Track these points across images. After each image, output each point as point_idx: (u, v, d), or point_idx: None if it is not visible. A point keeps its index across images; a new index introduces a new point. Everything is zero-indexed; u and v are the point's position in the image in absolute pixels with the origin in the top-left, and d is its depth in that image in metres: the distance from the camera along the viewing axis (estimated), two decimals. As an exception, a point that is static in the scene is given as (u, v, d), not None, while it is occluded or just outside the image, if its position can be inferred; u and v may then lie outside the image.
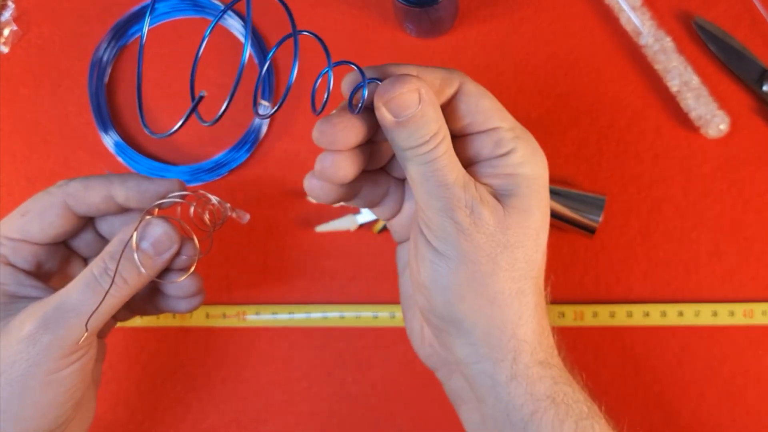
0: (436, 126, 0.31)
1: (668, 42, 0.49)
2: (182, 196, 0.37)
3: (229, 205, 0.39)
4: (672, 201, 0.50)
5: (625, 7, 0.49)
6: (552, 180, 0.50)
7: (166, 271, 0.38)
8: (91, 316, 0.34)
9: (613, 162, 0.51)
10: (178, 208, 0.38)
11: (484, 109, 0.33)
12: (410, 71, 0.32)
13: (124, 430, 0.51)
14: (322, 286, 0.52)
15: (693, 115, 0.49)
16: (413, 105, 0.30)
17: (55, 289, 0.36)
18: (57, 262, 0.39)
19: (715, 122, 0.48)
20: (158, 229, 0.36)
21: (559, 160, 0.51)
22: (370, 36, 0.52)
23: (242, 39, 0.53)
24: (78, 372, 0.35)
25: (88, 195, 0.37)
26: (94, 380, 0.40)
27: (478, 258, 0.31)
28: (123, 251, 0.35)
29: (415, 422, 0.50)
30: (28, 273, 0.37)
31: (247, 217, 0.40)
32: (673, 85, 0.49)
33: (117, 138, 0.52)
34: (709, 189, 0.50)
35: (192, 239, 0.38)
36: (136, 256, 0.35)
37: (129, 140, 0.53)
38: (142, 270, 0.36)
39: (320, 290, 0.52)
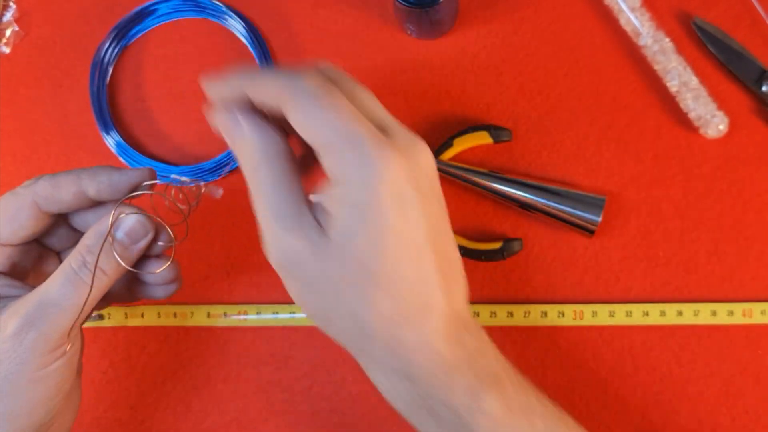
0: (258, 156, 0.32)
1: (667, 42, 0.49)
2: (151, 186, 0.37)
3: (202, 183, 0.39)
4: (671, 201, 0.50)
5: (624, 7, 0.49)
6: (552, 180, 0.50)
7: (143, 258, 0.38)
8: (81, 314, 0.34)
9: (612, 162, 0.51)
10: (151, 197, 0.38)
11: (301, 127, 0.31)
12: (233, 87, 0.33)
13: (125, 430, 0.52)
14: (323, 286, 0.52)
15: (692, 115, 0.49)
16: (234, 130, 0.33)
17: (32, 287, 0.36)
18: (31, 260, 0.39)
19: (714, 122, 0.48)
20: (132, 219, 0.36)
21: (558, 160, 0.51)
22: (370, 37, 0.53)
23: (242, 39, 0.53)
24: (65, 366, 0.35)
25: (57, 193, 0.36)
26: (77, 374, 0.40)
27: (303, 289, 0.33)
28: (102, 244, 0.35)
29: (415, 421, 0.51)
30: (3, 273, 0.37)
31: (220, 191, 0.40)
32: (673, 85, 0.49)
33: (118, 138, 0.52)
34: (708, 189, 0.50)
35: (165, 227, 0.38)
36: (113, 247, 0.35)
37: (130, 140, 0.53)
38: (120, 261, 0.36)
39: (321, 290, 0.52)
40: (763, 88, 0.49)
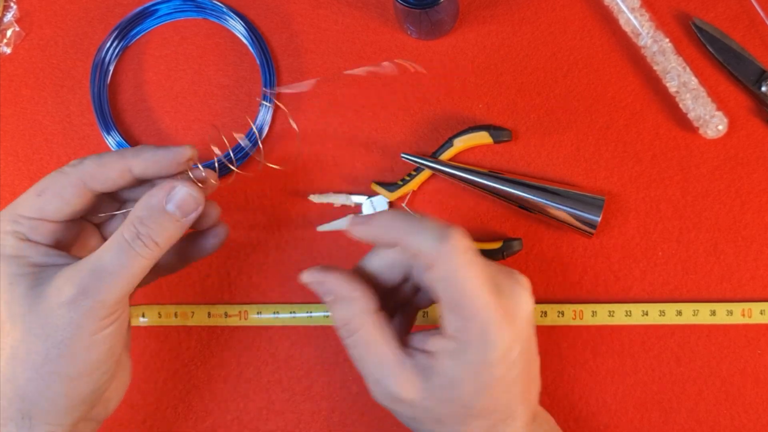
0: (347, 316, 0.37)
1: (667, 43, 0.49)
2: (191, 161, 0.39)
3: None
4: (670, 201, 0.50)
5: (624, 8, 0.50)
6: (551, 180, 0.51)
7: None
8: (132, 283, 0.36)
9: (612, 162, 0.51)
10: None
11: (442, 284, 0.35)
12: (395, 225, 0.36)
13: (126, 429, 0.52)
14: (323, 286, 0.52)
15: (691, 115, 0.49)
16: (324, 294, 0.38)
17: (77, 258, 0.37)
18: (74, 234, 0.40)
19: (713, 123, 0.49)
20: (183, 192, 0.37)
21: (558, 161, 0.51)
22: (370, 37, 0.53)
23: (243, 39, 0.53)
24: (117, 330, 0.37)
25: (104, 172, 0.37)
26: (127, 343, 0.41)
27: (407, 420, 0.38)
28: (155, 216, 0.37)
29: (415, 421, 0.51)
30: (49, 246, 0.38)
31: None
32: (672, 85, 0.49)
33: (119, 138, 0.52)
34: (707, 189, 0.50)
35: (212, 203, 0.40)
36: (165, 218, 0.37)
37: (131, 141, 0.53)
38: (172, 231, 0.37)
39: (321, 290, 0.52)
40: (762, 89, 0.49)
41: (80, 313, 0.35)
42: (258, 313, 0.52)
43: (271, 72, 0.53)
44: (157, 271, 0.43)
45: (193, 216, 0.38)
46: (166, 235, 0.37)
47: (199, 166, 0.40)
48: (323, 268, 0.38)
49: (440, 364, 0.35)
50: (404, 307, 0.42)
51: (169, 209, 0.37)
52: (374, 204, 0.51)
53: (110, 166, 0.37)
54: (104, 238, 0.42)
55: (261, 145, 0.40)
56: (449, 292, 0.35)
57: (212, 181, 0.40)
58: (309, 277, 0.38)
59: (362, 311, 0.36)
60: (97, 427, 0.41)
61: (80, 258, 0.37)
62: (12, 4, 0.54)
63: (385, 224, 0.37)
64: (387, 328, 0.37)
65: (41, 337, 0.34)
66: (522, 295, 0.37)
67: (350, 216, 0.40)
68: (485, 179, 0.49)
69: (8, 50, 0.54)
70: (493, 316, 0.35)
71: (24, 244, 0.37)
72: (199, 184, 0.39)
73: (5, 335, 0.35)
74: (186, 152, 0.38)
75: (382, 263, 0.39)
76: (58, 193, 0.37)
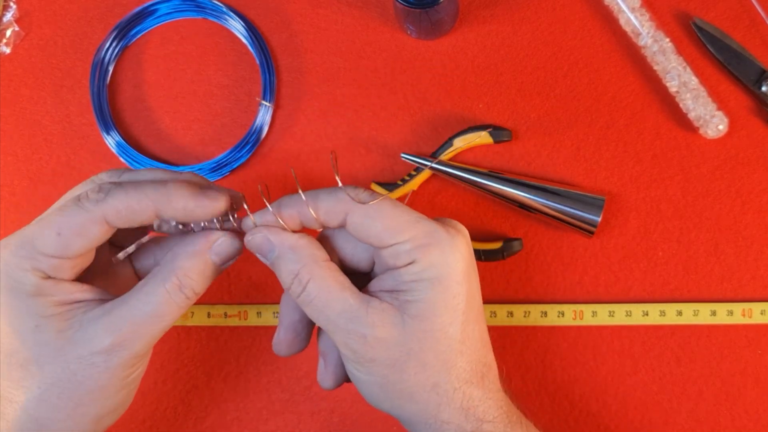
0: (295, 267, 0.35)
1: (667, 43, 0.49)
2: (227, 216, 0.37)
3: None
4: (671, 201, 0.50)
5: (624, 8, 0.49)
6: (551, 180, 0.51)
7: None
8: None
9: (612, 162, 0.51)
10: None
11: (376, 233, 0.34)
12: (288, 203, 0.35)
13: (125, 430, 0.52)
14: (323, 286, 0.52)
15: (692, 115, 0.49)
16: (268, 250, 0.36)
17: (100, 288, 0.36)
18: (93, 257, 0.38)
19: (713, 123, 0.49)
20: (227, 242, 0.36)
21: (558, 161, 0.51)
22: (370, 37, 0.53)
23: (242, 39, 0.53)
24: (143, 371, 0.37)
25: (130, 216, 0.35)
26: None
27: (383, 370, 0.35)
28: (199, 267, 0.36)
29: (415, 421, 0.51)
30: (72, 281, 0.36)
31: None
32: (672, 85, 0.49)
33: (119, 138, 0.52)
34: (707, 189, 0.50)
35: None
36: (207, 268, 0.36)
37: (131, 141, 0.53)
38: (209, 280, 0.37)
39: (321, 290, 0.52)
40: (763, 89, 0.49)
41: (116, 362, 0.34)
42: (258, 313, 0.52)
43: (271, 72, 0.53)
44: None
45: (231, 263, 0.37)
46: (206, 283, 0.36)
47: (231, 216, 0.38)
48: (266, 226, 0.36)
49: (409, 291, 0.34)
50: None
51: (211, 258, 0.36)
52: (374, 204, 0.51)
53: (139, 212, 0.35)
54: (116, 248, 0.40)
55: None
56: (379, 226, 0.34)
57: (251, 222, 0.37)
58: (251, 234, 0.36)
59: (310, 258, 0.35)
60: None
61: (101, 288, 0.36)
62: (11, 4, 0.54)
63: (285, 204, 0.36)
64: (341, 275, 0.35)
65: (74, 384, 0.34)
66: (456, 223, 0.36)
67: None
68: (485, 179, 0.49)
69: (8, 50, 0.54)
70: (437, 224, 0.35)
71: (47, 283, 0.35)
72: (236, 228, 0.37)
73: (31, 377, 0.34)
74: (221, 207, 0.36)
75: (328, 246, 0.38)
76: (79, 233, 0.34)
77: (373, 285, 0.36)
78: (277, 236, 0.35)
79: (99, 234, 0.35)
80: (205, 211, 0.36)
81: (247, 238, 0.36)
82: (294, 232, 0.36)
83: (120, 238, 0.40)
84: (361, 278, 0.38)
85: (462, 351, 0.35)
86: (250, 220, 0.36)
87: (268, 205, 0.36)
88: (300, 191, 0.35)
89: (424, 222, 0.35)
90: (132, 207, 0.35)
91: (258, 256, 0.37)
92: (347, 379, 0.38)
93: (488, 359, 0.37)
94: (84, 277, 0.37)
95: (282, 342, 0.39)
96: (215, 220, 0.36)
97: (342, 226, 0.35)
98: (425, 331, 0.34)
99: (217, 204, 0.36)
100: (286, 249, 0.35)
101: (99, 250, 0.38)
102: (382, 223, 0.34)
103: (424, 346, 0.34)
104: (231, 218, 0.36)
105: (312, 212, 0.35)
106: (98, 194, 0.35)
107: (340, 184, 0.35)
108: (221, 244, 0.36)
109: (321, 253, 0.35)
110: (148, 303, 0.35)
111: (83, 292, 0.36)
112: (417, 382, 0.35)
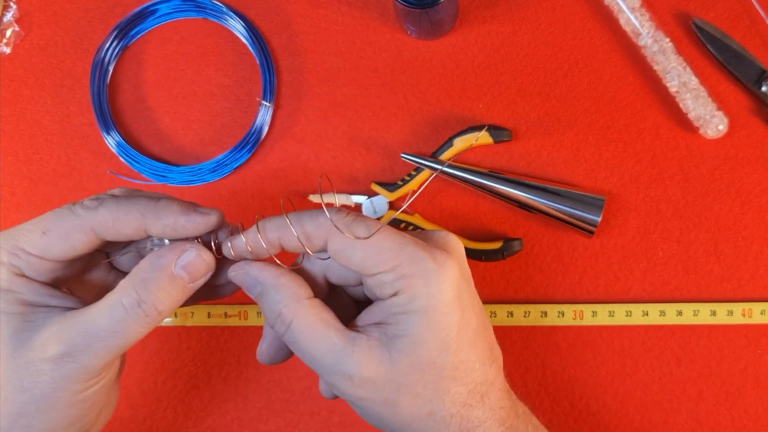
0: (278, 306, 0.34)
1: (667, 43, 0.49)
2: (217, 233, 0.35)
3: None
4: (671, 201, 0.50)
5: (624, 8, 0.49)
6: (551, 180, 0.51)
7: None
8: (126, 346, 0.33)
9: (612, 162, 0.51)
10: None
11: (357, 261, 0.33)
12: (270, 225, 0.34)
13: (126, 429, 0.52)
14: (323, 286, 0.52)
15: (692, 115, 0.49)
16: (251, 286, 0.34)
17: (74, 295, 0.35)
18: (77, 269, 0.37)
19: (713, 123, 0.49)
20: (194, 254, 0.34)
21: (558, 161, 0.51)
22: (370, 37, 0.53)
23: (243, 39, 0.53)
24: (103, 388, 0.34)
25: (118, 227, 0.34)
26: (118, 377, 0.39)
27: (375, 407, 0.34)
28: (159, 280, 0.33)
29: (415, 421, 0.51)
30: (44, 284, 0.35)
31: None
32: (672, 85, 0.49)
33: (119, 138, 0.52)
34: (707, 189, 0.50)
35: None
36: (171, 283, 0.34)
37: (131, 141, 0.53)
38: (174, 301, 0.34)
39: (321, 290, 0.52)
40: (763, 89, 0.49)
41: (63, 373, 0.32)
42: (258, 313, 0.52)
43: (271, 72, 0.53)
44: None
45: (202, 282, 0.35)
46: (170, 301, 0.34)
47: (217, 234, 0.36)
48: (249, 260, 0.35)
49: (395, 325, 0.33)
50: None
51: (177, 273, 0.34)
52: (374, 204, 0.51)
53: (126, 225, 0.34)
54: (112, 268, 0.39)
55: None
56: (357, 257, 0.33)
57: (229, 247, 0.35)
58: (234, 270, 0.35)
59: (292, 298, 0.34)
60: None
61: (75, 298, 0.35)
62: (12, 4, 0.54)
63: (263, 229, 0.34)
64: (325, 312, 0.34)
65: (19, 389, 0.32)
66: (448, 235, 0.35)
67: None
68: (485, 179, 0.49)
69: (8, 50, 0.54)
70: (421, 252, 0.33)
71: (18, 280, 0.34)
72: (213, 247, 0.35)
73: None
74: (212, 222, 0.34)
75: (311, 266, 0.37)
76: (64, 236, 0.34)
77: (361, 318, 0.35)
78: (260, 273, 0.34)
79: (83, 242, 0.34)
80: (196, 227, 0.34)
81: (231, 273, 0.35)
82: (277, 259, 0.35)
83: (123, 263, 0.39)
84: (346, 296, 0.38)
85: (455, 377, 0.34)
86: (227, 246, 0.35)
87: (243, 235, 0.35)
88: (284, 214, 0.34)
89: (408, 249, 0.33)
90: (120, 219, 0.34)
91: (243, 289, 0.35)
92: (288, 357, 0.38)
93: (489, 376, 0.35)
94: (75, 288, 0.37)
95: (264, 353, 0.38)
96: (198, 241, 0.35)
97: (324, 251, 0.34)
98: (413, 365, 0.33)
99: (209, 219, 0.34)
100: (268, 287, 0.34)
101: (95, 265, 0.38)
102: (363, 252, 0.33)
103: (413, 379, 0.33)
104: (212, 242, 0.35)
105: (295, 235, 0.34)
106: (92, 202, 0.34)
107: (323, 207, 0.34)
108: (187, 256, 0.34)
109: (304, 291, 0.34)
110: (105, 317, 0.33)
111: (52, 297, 0.34)
112: (411, 414, 0.34)
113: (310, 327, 0.33)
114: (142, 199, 0.34)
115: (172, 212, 0.34)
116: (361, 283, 0.36)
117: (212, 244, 0.35)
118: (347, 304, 0.39)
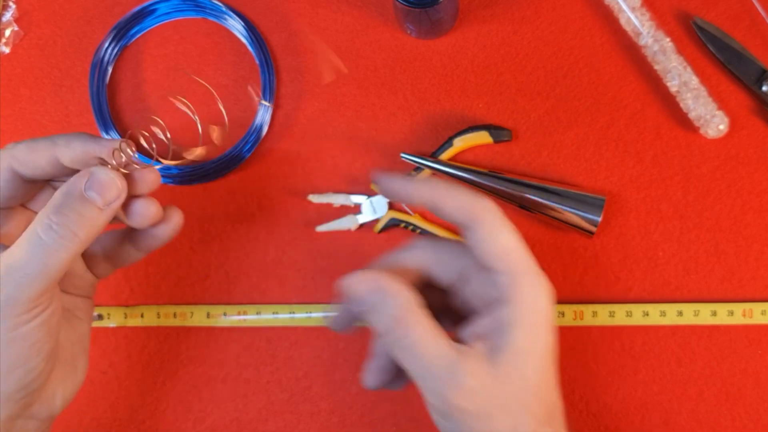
0: (395, 312, 0.34)
1: (667, 42, 0.49)
2: (126, 157, 0.36)
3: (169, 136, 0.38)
4: (671, 201, 0.50)
5: (624, 7, 0.49)
6: (551, 180, 0.50)
7: (127, 203, 0.37)
8: (52, 276, 0.34)
9: (612, 162, 0.51)
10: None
11: (498, 251, 0.34)
12: (422, 191, 0.35)
13: (125, 430, 0.52)
14: (323, 286, 0.52)
15: (692, 115, 0.49)
16: (367, 297, 0.34)
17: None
18: (15, 224, 0.38)
19: (714, 122, 0.48)
20: (103, 175, 0.35)
21: (558, 160, 0.51)
22: (370, 37, 0.53)
23: (242, 38, 0.53)
24: (41, 325, 0.35)
25: (33, 158, 0.36)
26: (81, 342, 0.40)
27: (470, 421, 0.33)
28: (69, 203, 0.34)
29: (415, 422, 0.51)
30: None
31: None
32: (673, 85, 0.49)
33: (118, 138, 0.52)
34: (708, 189, 0.50)
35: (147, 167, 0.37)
36: (84, 206, 0.34)
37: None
38: (94, 219, 0.35)
39: (321, 290, 0.52)
40: (763, 88, 0.49)
41: None
42: (257, 313, 0.51)
43: (270, 72, 0.53)
44: (114, 262, 0.41)
45: (116, 204, 0.35)
46: (86, 225, 0.34)
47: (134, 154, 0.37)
48: (362, 271, 0.35)
49: (500, 336, 0.33)
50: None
51: (88, 195, 0.34)
52: (374, 204, 0.51)
53: (39, 152, 0.36)
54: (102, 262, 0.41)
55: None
56: (495, 246, 0.34)
57: (135, 165, 0.36)
58: (350, 279, 0.35)
59: (408, 305, 0.34)
60: (43, 426, 0.39)
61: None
62: (11, 4, 0.54)
63: (422, 183, 0.35)
64: (435, 322, 0.34)
65: None
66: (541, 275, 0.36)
67: (378, 175, 0.37)
68: (485, 179, 0.49)
69: (7, 50, 0.54)
70: (537, 269, 0.34)
71: None
72: (123, 170, 0.36)
73: None
74: (116, 146, 0.36)
75: (418, 256, 0.37)
76: None
77: (465, 330, 0.35)
78: (377, 281, 0.34)
79: (7, 181, 0.36)
80: (102, 150, 0.35)
81: (346, 283, 0.35)
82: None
83: (102, 247, 0.40)
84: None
85: (538, 394, 0.34)
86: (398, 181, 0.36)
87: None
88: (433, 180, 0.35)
89: (527, 258, 0.34)
90: (33, 147, 0.35)
91: (353, 302, 0.35)
92: (389, 383, 0.38)
93: (555, 398, 0.36)
94: (2, 239, 0.37)
95: (374, 376, 0.38)
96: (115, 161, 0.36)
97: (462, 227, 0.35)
98: (512, 380, 0.33)
99: (114, 143, 0.36)
100: (386, 294, 0.34)
101: (15, 215, 0.38)
102: (506, 242, 0.34)
103: (509, 393, 0.33)
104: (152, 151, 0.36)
105: (457, 202, 0.34)
106: (10, 144, 0.36)
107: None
108: (96, 176, 0.35)
109: (418, 300, 0.34)
110: (23, 248, 0.33)
111: None
112: (500, 429, 0.34)
113: (426, 334, 0.34)
114: (57, 134, 0.36)
115: (81, 138, 0.36)
116: (449, 287, 0.37)
117: (121, 166, 0.36)
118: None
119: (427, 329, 0.34)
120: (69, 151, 0.36)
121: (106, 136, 0.52)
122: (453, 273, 0.37)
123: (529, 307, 0.34)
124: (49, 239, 0.33)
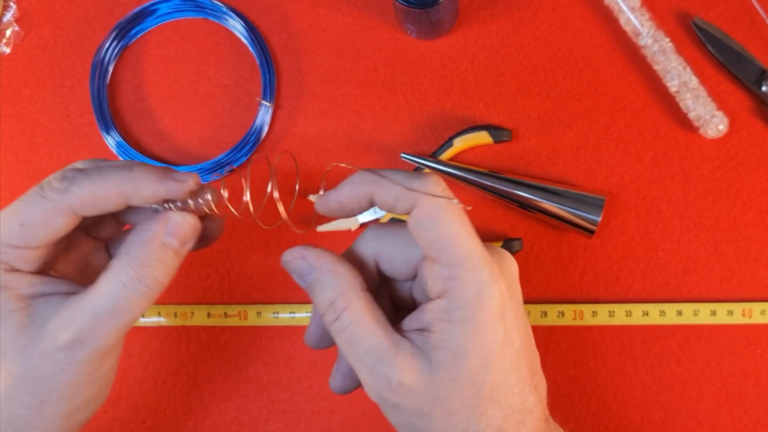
0: (332, 294, 0.33)
1: (667, 43, 0.49)
2: (195, 194, 0.36)
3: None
4: (671, 201, 0.50)
5: (624, 7, 0.49)
6: (551, 180, 0.50)
7: None
8: (132, 321, 0.34)
9: (612, 162, 0.51)
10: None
11: (434, 238, 0.32)
12: (354, 189, 0.33)
13: (126, 429, 0.52)
14: (323, 286, 0.52)
15: (692, 115, 0.49)
16: (306, 272, 0.34)
17: (64, 276, 0.36)
18: (61, 248, 0.37)
19: (713, 123, 0.49)
20: (179, 219, 0.35)
21: (558, 161, 0.51)
22: (370, 37, 0.53)
23: (242, 39, 0.53)
24: (114, 364, 0.36)
25: (98, 204, 0.34)
26: (115, 366, 0.40)
27: (409, 417, 0.33)
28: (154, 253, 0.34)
29: (415, 421, 0.51)
30: (37, 273, 0.35)
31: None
32: (672, 85, 0.49)
33: (119, 138, 0.52)
34: (707, 189, 0.50)
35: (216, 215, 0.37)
36: (164, 253, 0.34)
37: (130, 141, 0.53)
38: (171, 267, 0.35)
39: (321, 290, 0.52)
40: (763, 88, 0.49)
41: (78, 358, 0.33)
42: (258, 313, 0.52)
43: (270, 72, 0.53)
44: None
45: (191, 244, 0.35)
46: (168, 270, 0.34)
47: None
48: (305, 246, 0.35)
49: (438, 334, 0.32)
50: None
51: (167, 241, 0.34)
52: (374, 204, 0.51)
53: (105, 199, 0.34)
54: (93, 239, 0.39)
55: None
56: (434, 233, 0.31)
57: (208, 197, 0.36)
58: (289, 254, 0.34)
59: (349, 287, 0.33)
60: None
61: (68, 281, 0.35)
62: (11, 4, 0.54)
63: (353, 182, 0.34)
64: (377, 309, 0.33)
65: (38, 381, 0.33)
66: (506, 254, 0.34)
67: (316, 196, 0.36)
68: (485, 179, 0.49)
69: (8, 50, 0.54)
70: (482, 259, 0.31)
71: (11, 276, 0.34)
72: (193, 208, 0.36)
73: None
74: (188, 186, 0.35)
75: (367, 245, 0.36)
76: (43, 223, 0.33)
77: (406, 323, 0.34)
78: (317, 258, 0.34)
79: (64, 224, 0.34)
80: (176, 194, 0.34)
81: (285, 258, 0.34)
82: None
83: (98, 228, 0.39)
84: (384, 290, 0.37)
85: (494, 398, 0.32)
86: (326, 200, 0.35)
87: (329, 193, 0.35)
88: (379, 169, 0.33)
89: (476, 253, 0.32)
90: (97, 194, 0.33)
91: (294, 277, 0.35)
92: (356, 386, 0.37)
93: (528, 404, 0.33)
94: (57, 267, 0.37)
95: (312, 337, 0.37)
96: (190, 201, 0.35)
97: (405, 214, 0.33)
98: (452, 380, 0.32)
99: (186, 185, 0.34)
100: (325, 273, 0.33)
101: (73, 240, 0.38)
102: (444, 228, 0.32)
103: (451, 395, 0.32)
104: (210, 196, 0.35)
105: (392, 191, 0.32)
106: (62, 183, 0.34)
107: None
108: (174, 223, 0.34)
109: (360, 281, 0.33)
110: (108, 297, 0.33)
111: (46, 284, 0.35)
112: (444, 429, 0.33)
113: (361, 320, 0.32)
114: (115, 170, 0.34)
115: (150, 182, 0.34)
116: (406, 279, 0.36)
117: (191, 204, 0.35)
118: (387, 307, 0.38)
119: (363, 314, 0.32)
120: (139, 197, 0.34)
121: (107, 137, 0.53)
122: (401, 262, 0.35)
123: (468, 302, 0.31)
124: (136, 290, 0.34)
